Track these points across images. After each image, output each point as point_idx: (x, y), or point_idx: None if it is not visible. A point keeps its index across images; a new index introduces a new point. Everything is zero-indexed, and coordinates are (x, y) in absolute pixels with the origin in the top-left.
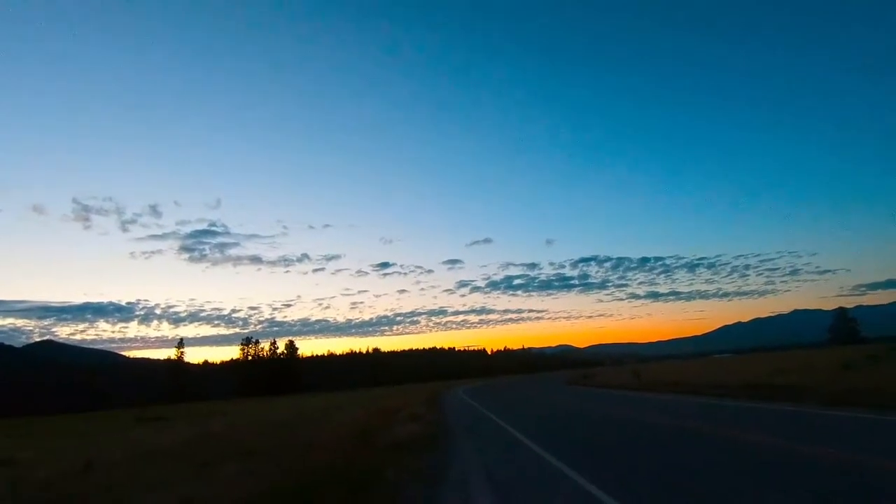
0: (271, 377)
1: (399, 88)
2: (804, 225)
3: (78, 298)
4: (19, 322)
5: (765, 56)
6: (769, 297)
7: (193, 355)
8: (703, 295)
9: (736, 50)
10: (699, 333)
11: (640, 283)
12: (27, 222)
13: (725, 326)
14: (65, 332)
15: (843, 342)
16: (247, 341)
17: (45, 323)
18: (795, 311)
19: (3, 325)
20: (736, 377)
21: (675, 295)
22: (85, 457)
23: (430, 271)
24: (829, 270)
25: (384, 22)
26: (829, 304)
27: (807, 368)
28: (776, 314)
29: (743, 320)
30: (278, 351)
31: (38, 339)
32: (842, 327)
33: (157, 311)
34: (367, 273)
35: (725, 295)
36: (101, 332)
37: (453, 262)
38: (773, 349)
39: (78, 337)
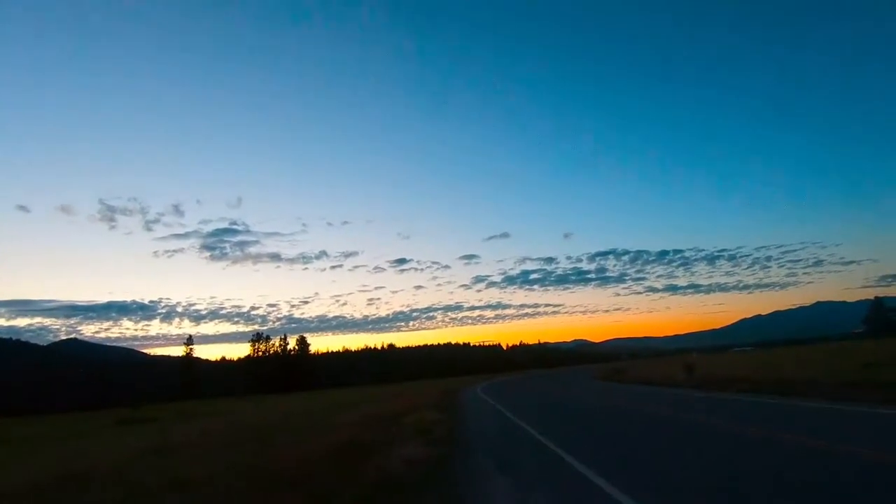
0: (280, 374)
1: (415, 85)
2: (829, 215)
3: (103, 297)
4: (46, 321)
5: (784, 46)
6: (790, 290)
7: (213, 352)
8: (723, 287)
9: (756, 40)
10: (717, 327)
11: (659, 276)
12: (55, 223)
13: (744, 320)
14: (90, 330)
15: (880, 334)
16: (257, 337)
17: (72, 321)
18: (818, 304)
19: (31, 324)
20: (811, 372)
21: (694, 288)
22: None
23: (446, 267)
24: (853, 261)
25: (402, 18)
26: (854, 296)
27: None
28: (797, 307)
29: (762, 313)
30: (289, 347)
31: (64, 338)
32: (878, 318)
33: (179, 309)
34: (384, 269)
35: (746, 287)
36: (124, 331)
37: (470, 257)
38: (798, 342)
39: (102, 335)
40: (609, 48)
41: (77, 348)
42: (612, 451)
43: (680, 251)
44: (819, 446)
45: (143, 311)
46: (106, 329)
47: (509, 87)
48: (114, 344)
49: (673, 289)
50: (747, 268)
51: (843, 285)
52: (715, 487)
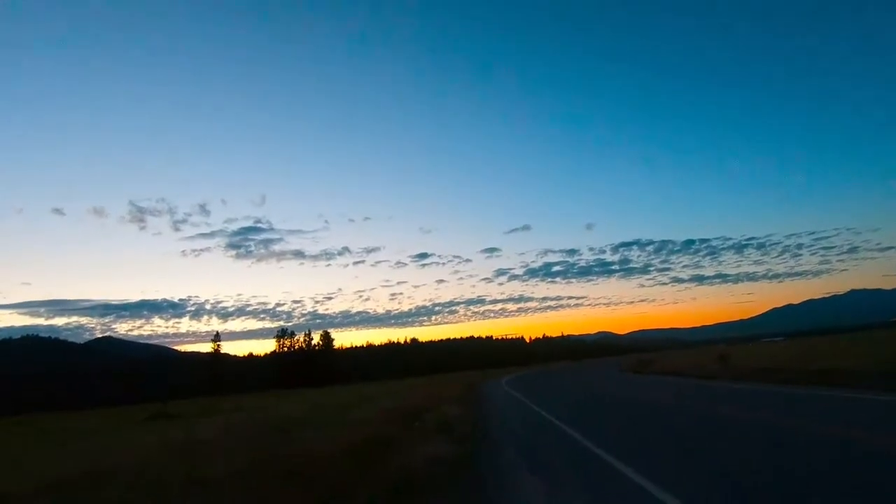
0: (304, 369)
1: (434, 81)
2: (865, 200)
3: (135, 296)
4: (83, 319)
5: (818, 30)
6: (824, 277)
7: (240, 349)
8: (752, 277)
9: (779, 31)
10: (745, 317)
11: (685, 266)
12: (88, 225)
13: (774, 309)
14: (123, 328)
15: None
16: (282, 333)
17: (106, 320)
18: (852, 292)
19: (68, 323)
20: (855, 362)
21: (722, 277)
22: None
23: (468, 260)
24: (892, 247)
25: (422, 20)
26: (892, 284)
27: None
28: (830, 295)
29: (793, 302)
30: (313, 342)
31: (99, 336)
32: None
33: (207, 307)
34: (405, 264)
35: (776, 276)
36: (156, 328)
37: (491, 250)
38: (833, 332)
39: (135, 333)
40: (634, 39)
41: (111, 346)
42: (670, 457)
43: (706, 240)
44: None
45: (173, 308)
46: (139, 327)
47: (529, 80)
48: (146, 341)
49: (699, 279)
50: (777, 256)
51: (881, 272)
52: None
